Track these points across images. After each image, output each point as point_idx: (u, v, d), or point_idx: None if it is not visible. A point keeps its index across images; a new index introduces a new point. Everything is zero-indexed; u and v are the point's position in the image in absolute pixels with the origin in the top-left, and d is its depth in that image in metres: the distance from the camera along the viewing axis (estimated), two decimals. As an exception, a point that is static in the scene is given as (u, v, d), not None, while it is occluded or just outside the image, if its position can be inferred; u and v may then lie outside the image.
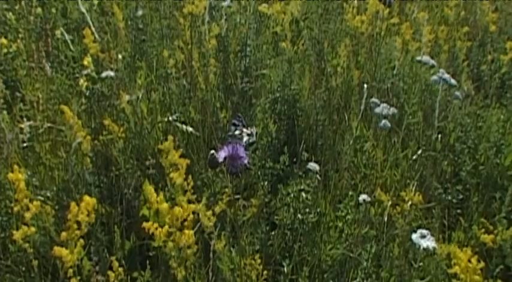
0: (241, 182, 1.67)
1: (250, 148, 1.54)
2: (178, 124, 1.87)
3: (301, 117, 2.10)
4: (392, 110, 1.69)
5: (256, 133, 1.32)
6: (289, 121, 2.06)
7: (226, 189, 1.47)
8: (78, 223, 1.22)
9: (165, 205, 1.23)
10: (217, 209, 1.36)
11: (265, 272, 1.35)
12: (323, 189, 1.73)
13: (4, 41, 2.13)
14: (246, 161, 1.06)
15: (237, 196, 1.57)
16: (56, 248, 1.19)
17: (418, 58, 2.02)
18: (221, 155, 1.05)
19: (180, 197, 1.27)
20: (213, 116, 1.92)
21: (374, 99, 1.76)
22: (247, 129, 1.17)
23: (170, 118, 1.86)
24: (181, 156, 1.43)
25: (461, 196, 1.80)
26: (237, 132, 1.16)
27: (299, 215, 1.55)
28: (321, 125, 2.06)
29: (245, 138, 1.15)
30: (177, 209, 1.21)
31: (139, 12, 2.17)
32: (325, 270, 1.53)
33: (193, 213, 1.26)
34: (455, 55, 2.42)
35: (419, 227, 1.41)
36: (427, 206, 1.68)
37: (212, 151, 1.07)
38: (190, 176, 1.35)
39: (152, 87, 2.05)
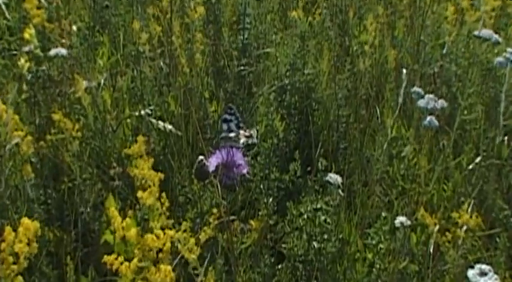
0: (237, 198, 1.65)
1: (250, 153, 1.56)
2: (154, 120, 1.84)
3: (317, 111, 2.07)
4: (441, 102, 1.67)
5: (258, 135, 1.31)
6: (302, 117, 2.01)
7: (217, 208, 1.41)
8: (16, 255, 1.18)
9: (133, 231, 1.19)
10: (202, 237, 1.33)
11: (270, 320, 1.42)
12: (347, 209, 1.71)
13: None
14: (245, 171, 1.10)
15: (233, 217, 1.54)
16: (-15, 289, 1.26)
17: (477, 33, 1.98)
18: (212, 162, 1.07)
19: (154, 223, 1.24)
20: (200, 110, 1.88)
21: (416, 89, 1.74)
22: (243, 126, 1.16)
23: (142, 112, 1.84)
24: (157, 165, 1.40)
25: (535, 220, 1.95)
26: (232, 134, 1.14)
27: (314, 243, 1.53)
28: (344, 123, 2.04)
29: (242, 140, 1.15)
30: (149, 236, 1.18)
31: None
32: (350, 317, 1.64)
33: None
34: (529, 28, 2.58)
35: (477, 261, 1.37)
36: (489, 233, 1.65)
37: (200, 157, 1.07)
38: (168, 192, 1.34)
39: (118, 71, 2.02)
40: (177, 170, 1.74)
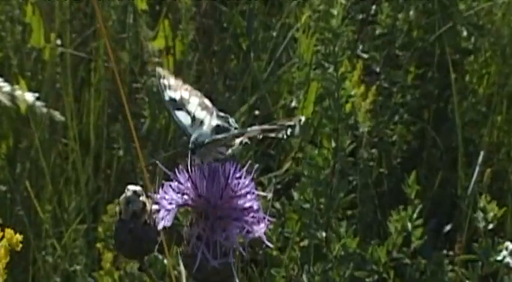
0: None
1: (274, 178, 1.77)
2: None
3: (473, 65, 1.93)
4: None
5: (300, 120, 1.10)
6: (428, 75, 1.96)
7: None
8: None
9: None
10: None
11: None
12: None
13: None
14: (260, 229, 0.99)
15: None
16: None
17: None
18: (164, 204, 0.99)
19: None
20: (122, 49, 1.70)
21: None
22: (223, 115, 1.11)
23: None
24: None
25: None
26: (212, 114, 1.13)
27: None
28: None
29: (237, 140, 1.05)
30: None
31: None
32: None
33: None
34: None
35: None
36: None
37: (132, 189, 1.01)
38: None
39: None
40: (52, 227, 1.59)
